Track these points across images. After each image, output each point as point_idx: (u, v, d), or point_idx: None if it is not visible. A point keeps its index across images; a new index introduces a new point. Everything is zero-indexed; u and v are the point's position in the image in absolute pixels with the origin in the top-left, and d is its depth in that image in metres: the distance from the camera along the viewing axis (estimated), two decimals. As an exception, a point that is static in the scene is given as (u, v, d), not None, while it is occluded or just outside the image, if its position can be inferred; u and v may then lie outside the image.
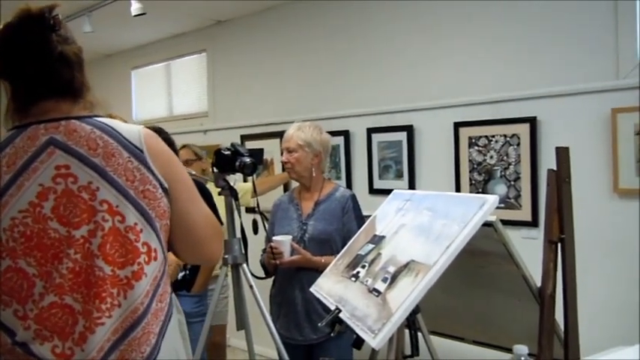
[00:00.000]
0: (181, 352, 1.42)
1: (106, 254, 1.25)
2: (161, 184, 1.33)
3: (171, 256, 1.47)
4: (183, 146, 3.73)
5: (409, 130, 3.69)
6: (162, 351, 1.31)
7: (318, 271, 2.26)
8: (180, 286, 2.66)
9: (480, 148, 3.34)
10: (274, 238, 2.69)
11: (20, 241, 1.22)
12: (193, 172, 3.25)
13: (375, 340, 1.55)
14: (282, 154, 2.86)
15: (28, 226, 1.23)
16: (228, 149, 2.59)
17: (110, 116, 1.46)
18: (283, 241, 2.66)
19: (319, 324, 2.07)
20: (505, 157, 3.24)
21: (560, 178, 1.95)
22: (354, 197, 2.82)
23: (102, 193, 1.26)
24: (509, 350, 2.06)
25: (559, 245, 1.97)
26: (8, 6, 1.36)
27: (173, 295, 1.45)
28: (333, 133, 3.82)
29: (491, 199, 1.67)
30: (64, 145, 1.27)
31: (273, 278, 2.87)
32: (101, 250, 1.24)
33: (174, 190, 1.36)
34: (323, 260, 2.54)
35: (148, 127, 1.41)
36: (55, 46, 1.30)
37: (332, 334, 1.86)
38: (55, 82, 1.32)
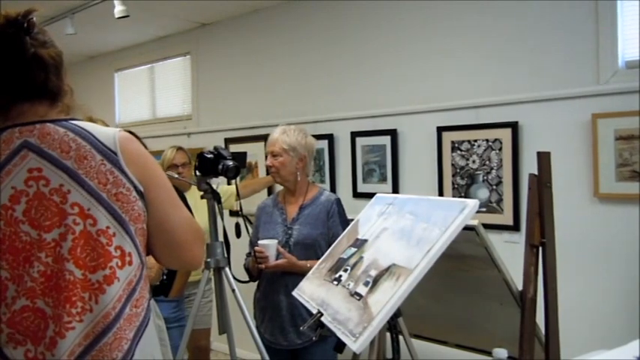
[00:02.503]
0: (157, 357, 1.40)
1: (77, 258, 1.24)
2: (135, 187, 1.32)
3: (153, 259, 1.46)
4: (179, 148, 3.69)
5: (393, 134, 3.70)
6: (137, 357, 1.30)
7: (303, 275, 2.25)
8: (157, 292, 2.65)
9: (463, 153, 3.36)
10: (260, 242, 2.68)
11: None
12: (176, 176, 3.24)
13: (356, 344, 1.55)
14: (266, 157, 2.84)
15: (0, 230, 1.22)
16: (211, 152, 2.58)
17: (90, 119, 1.45)
18: (269, 245, 2.65)
19: (301, 327, 2.07)
20: (487, 162, 3.26)
21: (542, 182, 1.97)
22: (338, 201, 2.82)
23: (73, 196, 1.26)
24: (491, 353, 2.07)
25: (540, 249, 1.98)
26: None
27: (152, 300, 1.44)
28: (318, 137, 3.81)
29: (472, 204, 1.68)
30: (37, 148, 1.27)
31: (257, 282, 2.85)
32: (72, 254, 1.24)
33: (151, 193, 1.35)
34: (308, 265, 2.50)
35: None
36: (28, 49, 1.30)
37: (314, 338, 1.86)
38: (28, 84, 1.32)
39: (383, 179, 3.78)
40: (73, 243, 1.24)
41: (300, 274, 2.36)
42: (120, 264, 1.28)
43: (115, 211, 1.29)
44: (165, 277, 2.75)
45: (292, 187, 2.82)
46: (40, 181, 1.25)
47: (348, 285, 1.82)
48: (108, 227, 1.27)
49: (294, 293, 2.10)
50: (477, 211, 1.74)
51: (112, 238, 1.28)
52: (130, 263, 1.30)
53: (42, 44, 1.33)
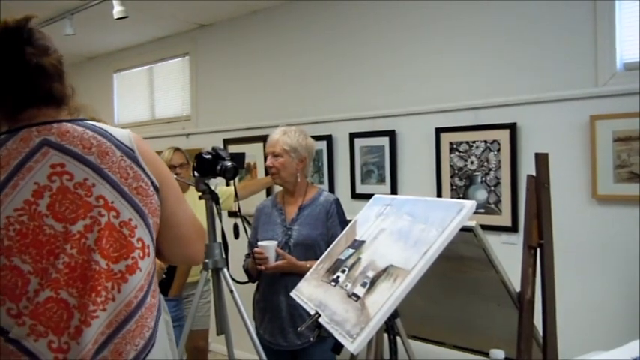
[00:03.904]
0: (169, 353, 1.44)
1: (102, 248, 1.27)
2: (152, 183, 1.38)
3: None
4: (177, 149, 3.72)
5: (391, 135, 3.71)
6: (154, 347, 1.34)
7: (302, 276, 2.25)
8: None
9: (461, 154, 3.37)
10: (259, 243, 2.68)
11: (16, 239, 1.23)
12: (174, 176, 3.24)
13: (353, 345, 1.55)
14: (265, 158, 2.84)
15: (24, 224, 1.24)
16: (210, 153, 2.59)
17: (93, 119, 1.47)
18: (268, 246, 2.65)
19: (299, 328, 2.07)
20: (485, 163, 3.26)
21: (540, 183, 1.97)
22: (338, 202, 2.82)
23: (98, 190, 1.30)
24: (488, 354, 2.07)
25: (538, 250, 1.98)
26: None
27: (160, 295, 1.47)
28: (316, 138, 3.81)
29: (469, 205, 1.68)
30: (58, 145, 1.30)
31: (256, 283, 2.85)
32: (98, 245, 1.27)
33: (163, 190, 1.41)
34: (308, 265, 2.48)
35: None
36: (30, 59, 1.32)
37: (312, 339, 1.86)
38: (34, 93, 1.35)
39: (381, 180, 3.78)
40: (99, 234, 1.27)
41: (299, 275, 2.36)
42: (141, 255, 1.33)
43: (136, 204, 1.34)
44: (164, 275, 2.76)
45: (292, 188, 2.81)
46: (64, 176, 1.28)
47: (346, 286, 1.82)
48: (130, 219, 1.32)
49: (293, 294, 2.10)
50: (475, 212, 1.75)
51: (134, 229, 1.32)
52: (149, 255, 1.36)
53: (44, 52, 1.36)
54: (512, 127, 3.15)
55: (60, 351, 1.22)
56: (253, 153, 4.44)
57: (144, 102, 5.79)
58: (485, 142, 3.26)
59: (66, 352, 1.22)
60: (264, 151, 3.37)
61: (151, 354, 1.33)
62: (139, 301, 1.31)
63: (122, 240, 1.30)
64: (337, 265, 1.99)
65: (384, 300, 1.59)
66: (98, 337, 1.24)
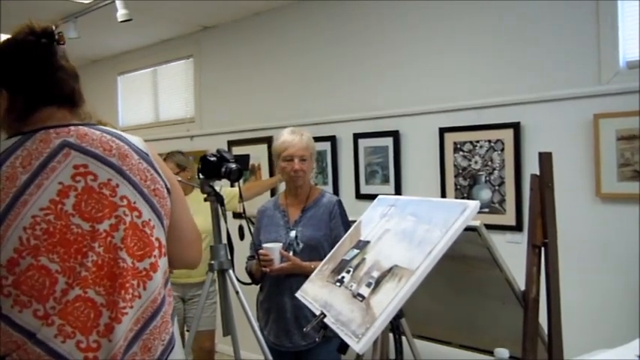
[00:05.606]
0: (182, 348, 1.47)
1: (128, 247, 1.31)
2: (166, 185, 1.43)
3: None
4: (168, 154, 3.74)
5: (395, 135, 3.71)
6: (176, 343, 1.39)
7: (307, 277, 2.25)
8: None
9: (465, 154, 3.37)
10: (264, 245, 2.69)
11: (43, 238, 1.24)
12: (179, 179, 3.25)
13: (358, 345, 1.56)
14: (270, 159, 2.84)
15: (51, 223, 1.25)
16: (214, 155, 2.60)
17: (100, 123, 1.51)
18: (273, 248, 2.65)
19: (304, 329, 2.07)
20: (489, 162, 3.27)
21: (544, 183, 1.97)
22: (340, 203, 2.82)
23: (121, 190, 1.34)
24: (493, 353, 2.08)
25: (542, 249, 1.99)
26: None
27: None
28: (320, 139, 3.83)
29: (473, 205, 1.69)
30: (78, 146, 1.33)
31: (260, 285, 2.86)
32: (124, 243, 1.31)
33: (172, 194, 1.45)
34: (312, 266, 2.46)
35: None
36: (60, 60, 1.39)
37: (317, 339, 1.87)
38: (58, 92, 1.40)
39: (385, 180, 3.79)
40: (124, 233, 1.31)
41: (304, 276, 2.36)
42: (159, 254, 1.37)
43: (154, 205, 1.38)
44: None
45: (300, 190, 2.82)
46: (88, 176, 1.31)
47: (351, 286, 1.83)
48: (150, 219, 1.37)
49: (298, 295, 2.11)
50: (480, 212, 1.75)
51: (153, 229, 1.37)
52: (165, 254, 1.40)
53: (63, 56, 1.42)
54: (515, 127, 3.16)
55: (89, 350, 1.23)
56: (257, 154, 4.45)
57: (148, 104, 5.81)
58: (489, 141, 3.26)
59: (96, 350, 1.23)
60: (269, 152, 3.38)
61: (174, 350, 1.37)
62: (162, 298, 1.35)
63: (145, 239, 1.34)
64: (342, 266, 1.99)
65: (389, 300, 1.60)
66: (127, 334, 1.27)
